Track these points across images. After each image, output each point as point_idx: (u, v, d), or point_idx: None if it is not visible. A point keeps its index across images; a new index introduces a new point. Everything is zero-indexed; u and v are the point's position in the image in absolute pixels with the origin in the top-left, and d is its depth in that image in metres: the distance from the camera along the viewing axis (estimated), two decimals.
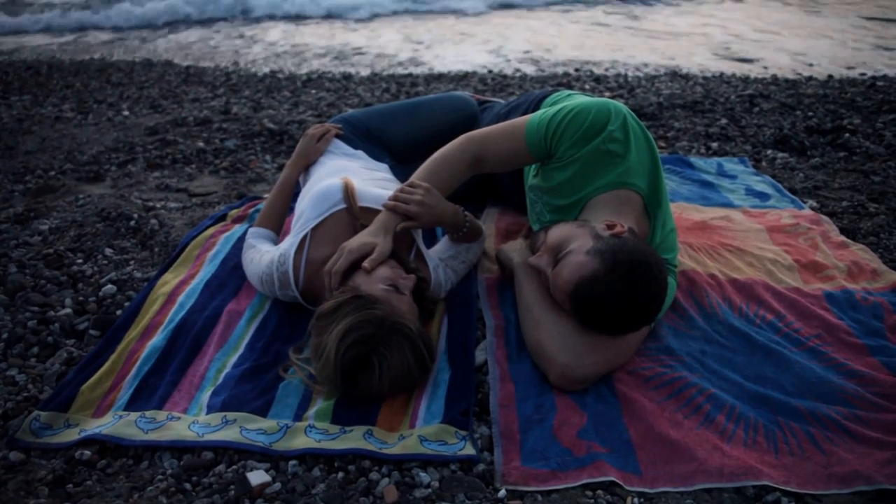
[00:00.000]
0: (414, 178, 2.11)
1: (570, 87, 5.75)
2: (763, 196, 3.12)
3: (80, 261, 2.61)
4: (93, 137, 4.50)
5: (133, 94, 5.96)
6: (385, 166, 2.59)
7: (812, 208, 3.00)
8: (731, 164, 3.54)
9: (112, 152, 4.14)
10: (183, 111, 5.18)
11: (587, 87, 5.76)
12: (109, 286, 2.40)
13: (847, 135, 3.99)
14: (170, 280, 2.40)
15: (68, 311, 2.27)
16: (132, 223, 2.88)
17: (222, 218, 2.91)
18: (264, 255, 2.22)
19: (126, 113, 5.26)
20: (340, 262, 1.90)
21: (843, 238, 2.67)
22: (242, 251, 2.40)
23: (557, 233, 1.90)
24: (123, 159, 3.99)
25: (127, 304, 2.31)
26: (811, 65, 6.70)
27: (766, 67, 6.60)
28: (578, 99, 2.12)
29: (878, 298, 2.25)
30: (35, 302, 2.33)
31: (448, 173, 2.12)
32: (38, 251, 2.65)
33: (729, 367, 1.94)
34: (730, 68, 6.56)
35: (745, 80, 5.91)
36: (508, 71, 6.65)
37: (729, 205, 3.03)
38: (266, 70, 7.09)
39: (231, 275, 2.43)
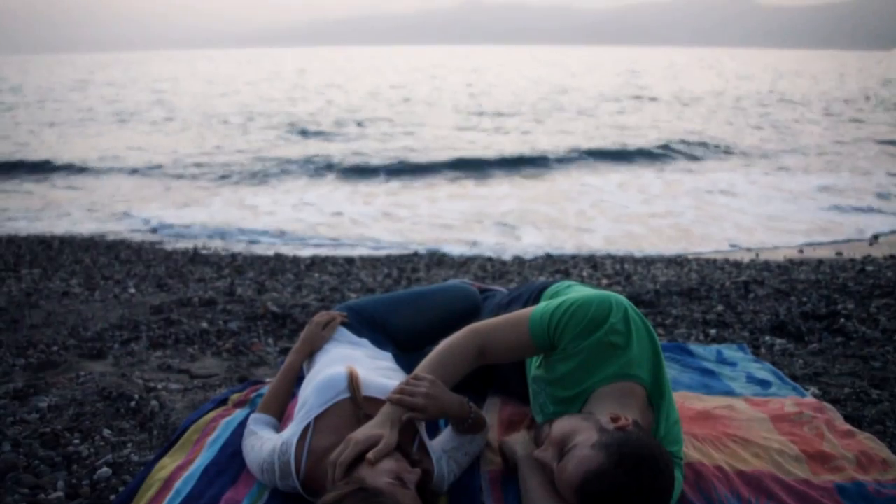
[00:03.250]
0: (419, 370, 2.13)
1: (567, 273, 5.90)
2: (764, 384, 3.12)
3: (76, 441, 2.57)
4: (98, 314, 4.57)
5: (140, 272, 6.10)
6: (389, 355, 2.61)
7: (814, 395, 2.98)
8: (730, 352, 3.56)
9: (116, 329, 4.18)
10: (188, 291, 5.28)
11: (584, 273, 5.90)
12: (105, 469, 2.36)
13: (842, 320, 4.05)
14: (167, 465, 2.35)
15: (60, 494, 2.22)
16: (132, 404, 2.86)
17: (224, 402, 2.87)
18: (266, 442, 2.20)
19: (132, 290, 5.36)
20: (346, 453, 1.88)
21: (848, 426, 2.63)
22: (243, 437, 2.37)
23: (562, 426, 1.90)
24: (127, 337, 4.03)
25: (122, 488, 2.26)
26: (801, 251, 6.92)
27: (757, 255, 6.81)
28: (579, 291, 2.19)
29: (892, 491, 2.19)
30: (26, 483, 2.27)
31: (454, 365, 2.15)
32: (35, 429, 2.62)
33: None
34: (722, 255, 6.77)
35: (738, 265, 6.08)
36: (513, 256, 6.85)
37: (731, 393, 3.02)
38: (271, 253, 7.29)
39: (230, 461, 2.38)
